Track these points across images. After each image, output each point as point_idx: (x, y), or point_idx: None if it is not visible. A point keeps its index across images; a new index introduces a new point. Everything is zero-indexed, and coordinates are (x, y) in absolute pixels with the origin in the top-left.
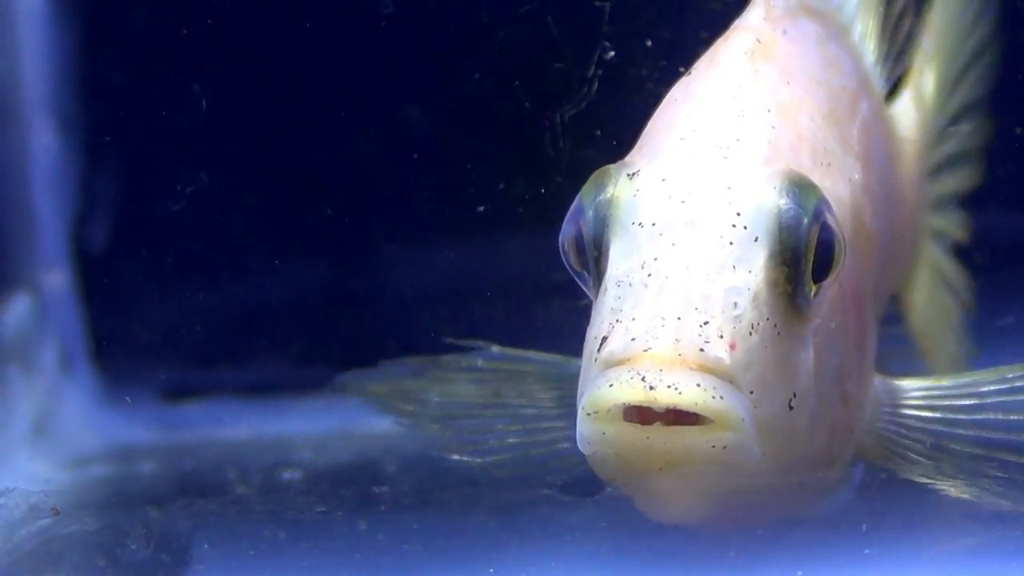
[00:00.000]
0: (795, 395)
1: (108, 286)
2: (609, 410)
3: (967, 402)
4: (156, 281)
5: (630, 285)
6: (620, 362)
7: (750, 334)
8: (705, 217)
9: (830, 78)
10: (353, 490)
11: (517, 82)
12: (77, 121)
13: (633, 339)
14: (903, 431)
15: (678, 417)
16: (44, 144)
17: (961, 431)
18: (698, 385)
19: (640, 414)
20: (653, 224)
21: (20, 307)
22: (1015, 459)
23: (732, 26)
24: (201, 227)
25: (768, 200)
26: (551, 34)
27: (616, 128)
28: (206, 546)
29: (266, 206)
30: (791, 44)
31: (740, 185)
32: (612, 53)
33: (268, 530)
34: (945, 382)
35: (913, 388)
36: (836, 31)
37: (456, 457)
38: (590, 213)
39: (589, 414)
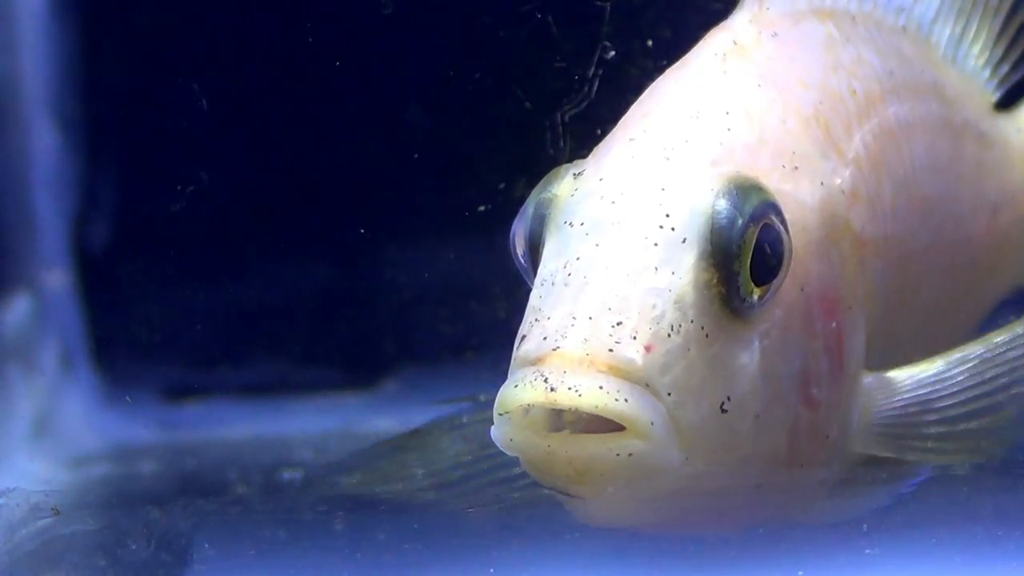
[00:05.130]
0: (729, 398)
1: (108, 286)
2: (527, 410)
3: (959, 377)
4: (156, 281)
5: (552, 284)
6: (532, 361)
7: (669, 336)
8: (632, 218)
9: (829, 81)
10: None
11: (517, 82)
12: (77, 121)
13: (545, 338)
14: (898, 419)
15: (597, 421)
16: (44, 144)
17: (952, 402)
18: (600, 387)
19: (559, 415)
20: (582, 224)
21: (20, 307)
22: (1009, 425)
23: (715, 28)
24: (201, 227)
25: (702, 202)
26: (551, 34)
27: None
28: (206, 546)
29: (266, 206)
30: (778, 46)
31: (674, 187)
32: (612, 53)
33: (268, 530)
34: (936, 363)
35: (905, 376)
36: (875, 34)
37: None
38: (531, 211)
39: (500, 415)
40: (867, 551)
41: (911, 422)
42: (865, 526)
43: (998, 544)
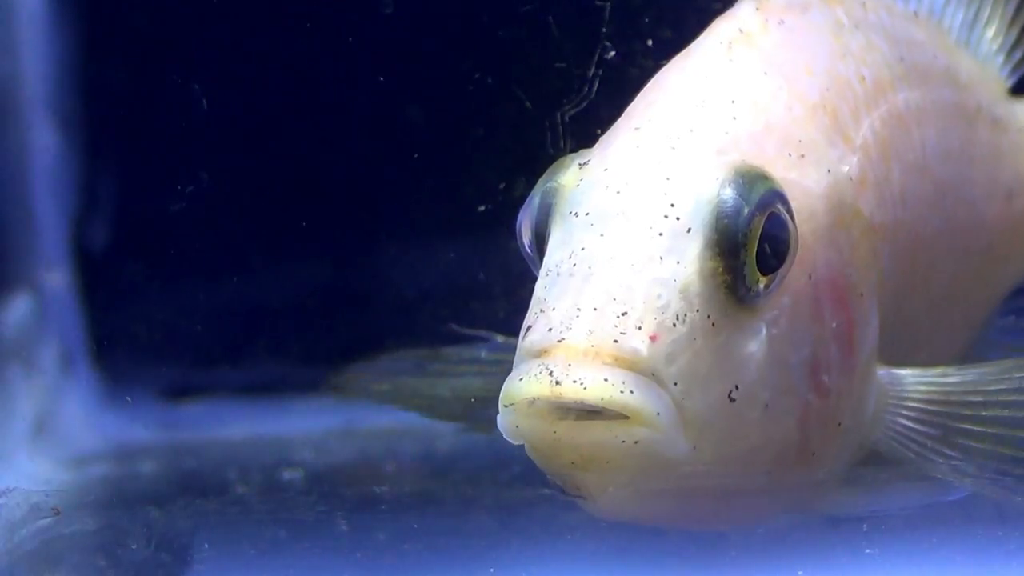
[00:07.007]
0: (737, 387)
1: (108, 286)
2: (532, 402)
3: (973, 399)
4: (156, 281)
5: (558, 275)
6: (537, 353)
7: (674, 325)
8: (637, 207)
9: (837, 68)
10: (353, 490)
11: (517, 82)
12: (77, 121)
13: (550, 329)
14: (910, 424)
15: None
16: (44, 144)
17: (967, 426)
18: (605, 379)
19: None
20: (587, 214)
21: (20, 307)
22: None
23: (720, 17)
24: (201, 227)
25: (707, 191)
26: (551, 34)
27: None
28: (206, 546)
29: (266, 206)
30: (784, 33)
31: (679, 176)
32: (612, 53)
33: (268, 530)
34: (951, 378)
35: (917, 380)
36: (886, 20)
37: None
38: (537, 201)
39: (506, 406)
40: (867, 551)
41: (922, 433)
42: (865, 526)
43: (998, 544)
